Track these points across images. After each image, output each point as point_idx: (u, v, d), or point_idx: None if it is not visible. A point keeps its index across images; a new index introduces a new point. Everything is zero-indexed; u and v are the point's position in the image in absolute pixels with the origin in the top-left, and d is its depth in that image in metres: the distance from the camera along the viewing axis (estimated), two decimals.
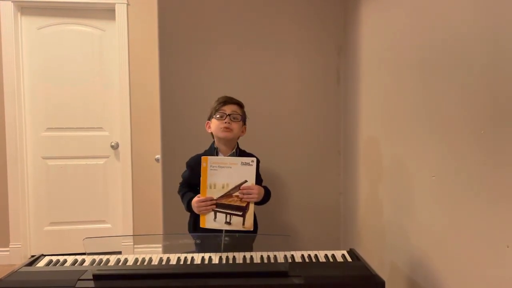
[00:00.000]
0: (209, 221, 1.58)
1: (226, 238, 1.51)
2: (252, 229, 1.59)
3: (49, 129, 3.32)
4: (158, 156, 2.27)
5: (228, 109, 1.73)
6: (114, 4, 3.23)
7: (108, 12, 3.27)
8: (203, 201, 1.57)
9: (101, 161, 3.40)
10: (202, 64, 2.23)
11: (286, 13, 2.26)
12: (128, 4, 3.24)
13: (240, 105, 1.80)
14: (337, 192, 2.36)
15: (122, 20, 3.25)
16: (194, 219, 1.74)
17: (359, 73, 2.06)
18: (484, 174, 1.08)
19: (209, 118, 1.79)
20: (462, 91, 1.18)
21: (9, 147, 3.19)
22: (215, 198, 1.57)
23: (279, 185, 2.28)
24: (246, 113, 1.84)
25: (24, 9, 3.25)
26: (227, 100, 1.76)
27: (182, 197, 1.78)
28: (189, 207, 1.69)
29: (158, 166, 2.27)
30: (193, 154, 1.83)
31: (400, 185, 1.62)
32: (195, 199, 1.62)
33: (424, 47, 1.41)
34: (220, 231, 1.56)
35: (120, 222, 3.39)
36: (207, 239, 1.59)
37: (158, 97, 2.22)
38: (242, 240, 1.58)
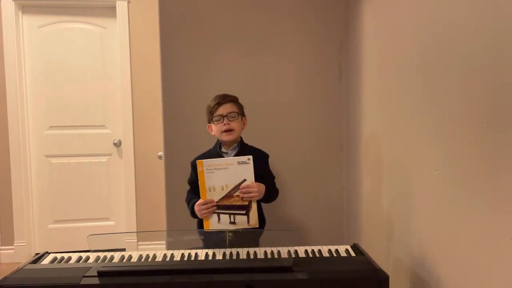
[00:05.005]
0: (213, 224, 1.59)
1: (230, 234, 1.51)
2: (257, 226, 1.59)
3: (51, 127, 3.33)
4: (161, 153, 2.27)
5: (224, 109, 1.71)
6: (115, 1, 3.22)
7: (109, 10, 3.27)
8: (204, 204, 1.57)
9: (104, 159, 3.41)
10: (203, 60, 2.22)
11: (287, 8, 2.25)
12: (129, 2, 3.24)
13: (234, 101, 1.76)
14: (340, 187, 2.36)
15: (123, 18, 3.24)
16: (200, 221, 1.74)
17: (361, 68, 2.05)
18: (488, 167, 1.08)
19: (209, 122, 1.78)
20: (465, 85, 1.18)
21: (12, 145, 3.20)
22: (216, 200, 1.57)
23: (282, 180, 2.27)
24: (247, 109, 1.83)
25: (25, 8, 3.25)
26: (220, 101, 1.72)
27: (188, 204, 1.77)
28: (193, 213, 1.68)
29: (161, 163, 2.27)
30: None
31: (403, 180, 1.61)
32: (196, 203, 1.61)
33: (427, 42, 1.40)
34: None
35: (124, 220, 3.40)
36: (212, 236, 1.59)
37: (160, 94, 2.22)
38: (248, 236, 1.57)
